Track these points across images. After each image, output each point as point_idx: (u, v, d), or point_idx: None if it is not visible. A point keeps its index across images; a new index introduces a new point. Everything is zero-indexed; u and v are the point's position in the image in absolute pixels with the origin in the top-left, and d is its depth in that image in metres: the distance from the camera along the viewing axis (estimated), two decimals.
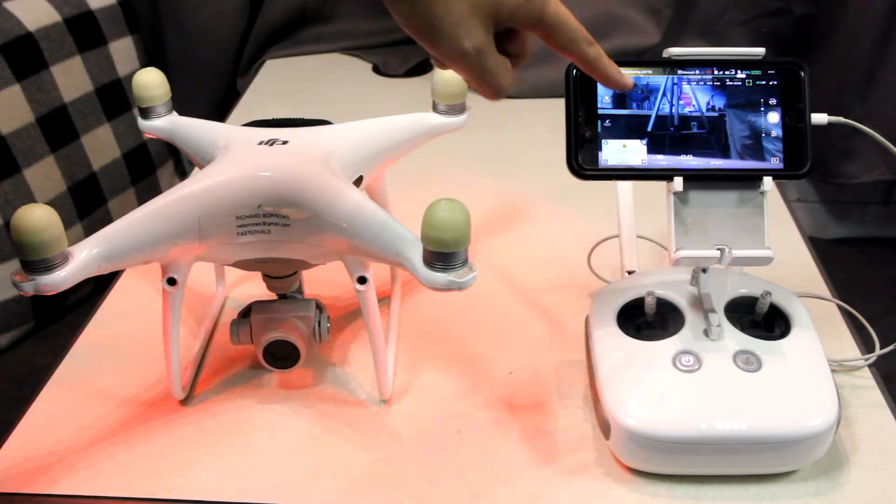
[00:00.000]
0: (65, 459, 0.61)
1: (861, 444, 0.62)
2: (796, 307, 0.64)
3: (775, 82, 0.60)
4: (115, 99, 1.28)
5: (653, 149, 0.59)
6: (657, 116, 0.60)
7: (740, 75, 0.60)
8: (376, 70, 1.40)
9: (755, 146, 0.59)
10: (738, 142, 0.59)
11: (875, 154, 1.65)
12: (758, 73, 0.60)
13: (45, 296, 0.52)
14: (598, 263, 0.81)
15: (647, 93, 0.60)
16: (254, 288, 0.80)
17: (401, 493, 0.58)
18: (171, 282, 0.60)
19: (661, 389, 0.58)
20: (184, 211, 0.57)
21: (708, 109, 0.60)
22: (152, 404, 0.67)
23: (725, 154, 0.59)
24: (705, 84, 0.60)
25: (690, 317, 0.63)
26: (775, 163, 0.59)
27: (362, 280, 0.60)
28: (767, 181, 0.59)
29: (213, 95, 1.56)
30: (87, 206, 1.24)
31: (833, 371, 0.60)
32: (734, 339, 0.61)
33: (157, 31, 1.51)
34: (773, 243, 0.60)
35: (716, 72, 0.60)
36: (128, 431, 0.64)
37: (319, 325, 0.66)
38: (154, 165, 1.38)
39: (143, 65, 1.33)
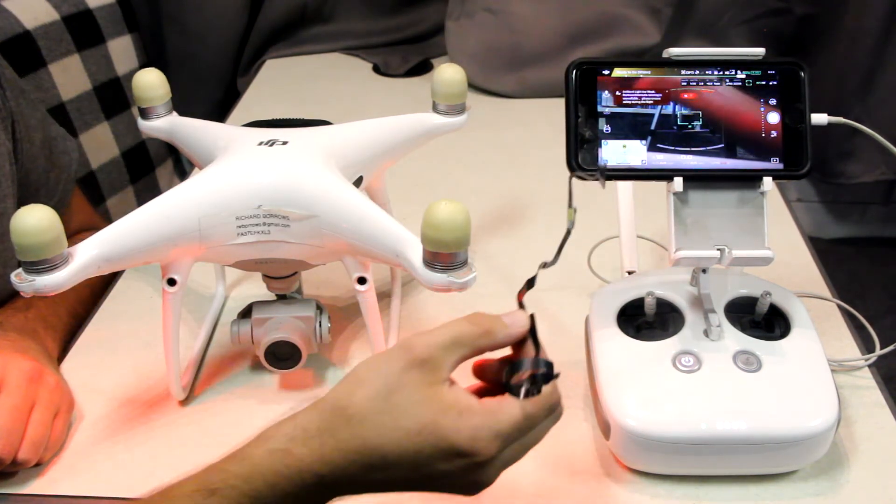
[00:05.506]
0: (65, 459, 0.61)
1: (861, 444, 0.62)
2: (796, 307, 0.64)
3: (775, 82, 0.60)
4: (114, 97, 1.28)
5: (654, 147, 0.59)
6: (660, 115, 0.59)
7: (740, 75, 0.60)
8: (376, 70, 1.40)
9: (756, 146, 0.59)
10: (740, 141, 0.59)
11: (875, 154, 1.65)
12: (758, 73, 0.60)
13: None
14: (598, 263, 0.81)
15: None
16: (254, 288, 0.80)
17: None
18: (172, 282, 0.60)
19: (661, 389, 0.58)
20: (184, 211, 0.57)
21: (711, 108, 0.60)
22: (152, 404, 0.66)
23: (727, 153, 0.59)
24: (706, 84, 0.60)
25: (690, 317, 0.63)
26: (775, 163, 0.59)
27: (362, 281, 0.60)
28: (767, 181, 0.59)
29: (213, 95, 1.56)
30: None
31: (833, 371, 0.60)
32: (734, 339, 0.60)
33: (157, 30, 1.50)
34: (773, 243, 0.60)
35: (716, 72, 0.60)
36: (128, 431, 0.64)
37: (320, 326, 0.66)
38: (153, 164, 1.38)
39: (142, 63, 1.32)
